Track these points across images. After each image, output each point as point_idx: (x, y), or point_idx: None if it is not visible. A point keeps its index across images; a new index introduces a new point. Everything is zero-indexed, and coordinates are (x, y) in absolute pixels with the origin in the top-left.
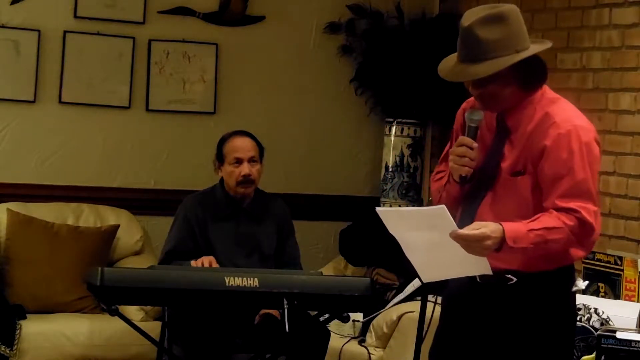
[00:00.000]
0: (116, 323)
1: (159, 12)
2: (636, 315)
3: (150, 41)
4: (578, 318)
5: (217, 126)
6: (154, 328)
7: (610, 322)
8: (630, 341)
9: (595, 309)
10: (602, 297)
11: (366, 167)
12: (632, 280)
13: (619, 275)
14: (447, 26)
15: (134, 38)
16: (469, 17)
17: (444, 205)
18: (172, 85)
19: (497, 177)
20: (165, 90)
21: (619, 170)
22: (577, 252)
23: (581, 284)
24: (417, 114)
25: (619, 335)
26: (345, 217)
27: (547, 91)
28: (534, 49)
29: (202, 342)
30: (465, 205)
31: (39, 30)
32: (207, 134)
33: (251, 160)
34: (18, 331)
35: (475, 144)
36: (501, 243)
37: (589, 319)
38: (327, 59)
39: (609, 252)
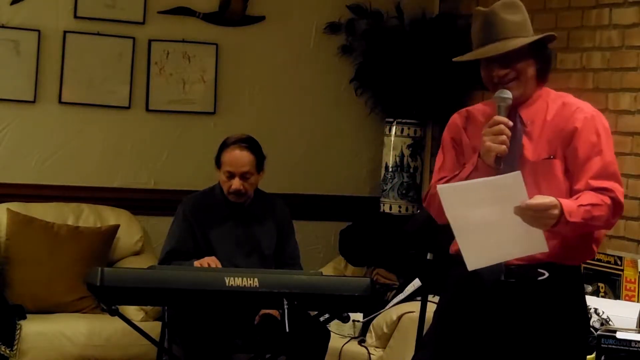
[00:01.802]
0: (116, 323)
1: (159, 12)
2: (636, 315)
3: (150, 41)
4: None
5: (217, 126)
6: (154, 328)
7: (610, 322)
8: (630, 341)
9: (595, 309)
10: (602, 297)
11: (366, 167)
12: (632, 280)
13: (619, 275)
14: (447, 26)
15: (134, 38)
16: (483, 9)
17: (519, 172)
18: (172, 85)
19: (522, 168)
20: (165, 90)
21: (619, 170)
22: (594, 250)
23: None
24: (417, 114)
25: (619, 335)
26: (345, 217)
27: (551, 90)
28: (544, 35)
29: (202, 342)
30: None
31: (39, 30)
32: (207, 134)
33: (244, 175)
34: (18, 331)
35: (510, 122)
36: (559, 217)
37: (589, 319)
38: (327, 59)
39: (609, 252)
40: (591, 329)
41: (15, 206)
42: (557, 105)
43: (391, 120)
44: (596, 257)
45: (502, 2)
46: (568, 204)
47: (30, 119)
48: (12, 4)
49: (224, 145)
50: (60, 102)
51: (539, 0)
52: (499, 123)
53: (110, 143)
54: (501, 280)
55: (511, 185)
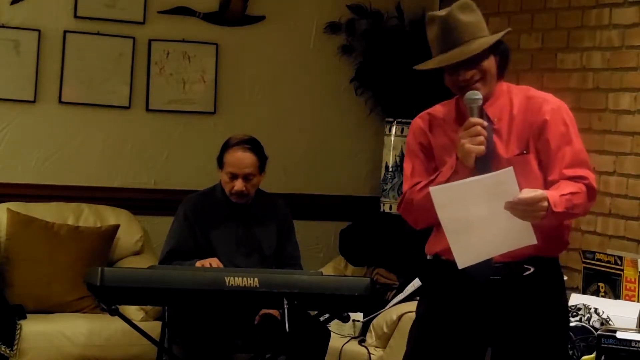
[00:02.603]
0: (116, 323)
1: (159, 12)
2: (636, 315)
3: (150, 41)
4: (578, 318)
5: (217, 126)
6: (154, 328)
7: (610, 322)
8: (630, 341)
9: (595, 309)
10: (602, 297)
11: (366, 167)
12: (632, 280)
13: (619, 275)
14: None
15: (134, 38)
16: (439, 12)
17: (511, 168)
18: (172, 85)
19: (491, 164)
20: (165, 90)
21: (619, 170)
22: (569, 231)
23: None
24: (417, 114)
25: (619, 335)
26: (345, 217)
27: (509, 84)
28: (501, 33)
29: (202, 342)
30: None
31: (39, 30)
32: (207, 134)
33: (247, 176)
34: (18, 331)
35: (485, 123)
36: (548, 209)
37: (589, 319)
38: (327, 59)
39: (609, 252)
40: (591, 329)
41: (15, 206)
42: (521, 99)
43: (391, 120)
44: (596, 257)
45: (456, 4)
46: (552, 194)
47: (30, 119)
48: (12, 4)
49: (227, 146)
50: (60, 102)
51: (539, 0)
52: (474, 124)
53: (110, 143)
54: (488, 278)
55: (504, 182)
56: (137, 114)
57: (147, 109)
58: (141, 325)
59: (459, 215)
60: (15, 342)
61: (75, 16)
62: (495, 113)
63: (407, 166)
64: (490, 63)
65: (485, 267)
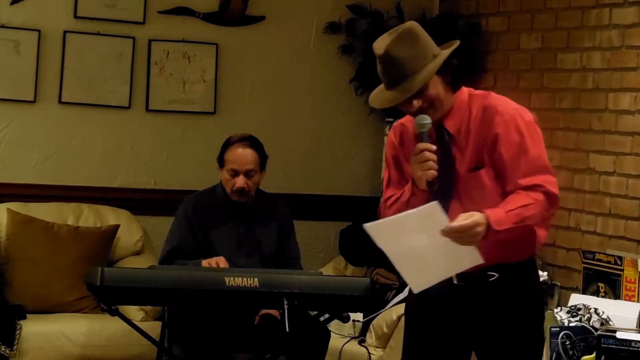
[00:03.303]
0: (116, 323)
1: (159, 12)
2: (636, 315)
3: (150, 41)
4: (578, 318)
5: (217, 126)
6: (154, 328)
7: (610, 322)
8: (630, 341)
9: (595, 309)
10: (602, 297)
11: (366, 167)
12: (632, 280)
13: (619, 275)
14: (447, 26)
15: (134, 38)
16: (380, 46)
17: (436, 202)
18: (172, 85)
19: (456, 180)
20: (165, 90)
21: (619, 170)
22: (543, 233)
23: (544, 275)
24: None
25: (619, 335)
26: (345, 217)
27: (472, 90)
28: (447, 51)
29: (202, 342)
30: None
31: (39, 30)
32: (207, 134)
33: (248, 173)
34: (18, 331)
35: (434, 147)
36: (487, 229)
37: (589, 319)
38: (327, 59)
39: (609, 252)
40: (591, 329)
41: (15, 206)
42: (478, 109)
43: (391, 120)
44: (596, 257)
45: (394, 37)
46: (495, 213)
47: (30, 119)
48: (12, 4)
49: (227, 144)
50: (60, 102)
51: (539, 0)
52: (422, 150)
53: (110, 143)
54: (454, 284)
55: (431, 215)
56: (137, 114)
57: (147, 109)
58: (141, 325)
59: (401, 246)
60: (15, 342)
61: (75, 16)
62: (455, 126)
63: (385, 176)
64: (436, 89)
65: (445, 284)
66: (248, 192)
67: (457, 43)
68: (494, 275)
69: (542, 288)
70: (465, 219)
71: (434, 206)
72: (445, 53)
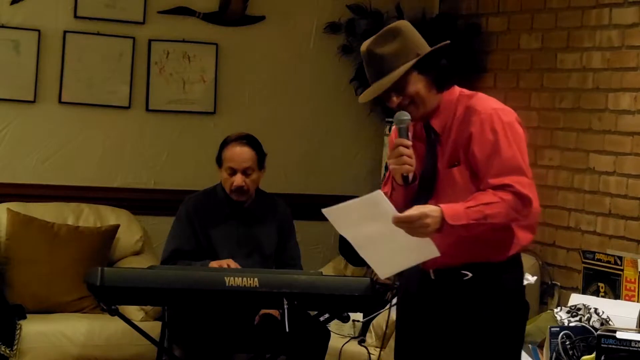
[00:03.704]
0: (116, 323)
1: (159, 12)
2: (636, 315)
3: (150, 41)
4: (578, 318)
5: (217, 126)
6: (154, 328)
7: (610, 322)
8: (630, 341)
9: (595, 309)
10: (602, 297)
11: (366, 167)
12: (632, 280)
13: (619, 275)
14: (447, 26)
15: (134, 38)
16: (365, 44)
17: (379, 190)
18: (172, 85)
19: (436, 177)
20: (165, 90)
21: (619, 170)
22: (524, 235)
23: (531, 278)
24: None
25: (619, 335)
26: None
27: (463, 91)
28: (426, 50)
29: (202, 342)
30: None
31: (39, 30)
32: (207, 134)
33: (246, 171)
34: (18, 331)
35: (409, 142)
36: (442, 223)
37: (589, 319)
38: (327, 59)
39: (609, 252)
40: (591, 329)
41: (15, 206)
42: (462, 110)
43: (391, 120)
44: (596, 257)
45: (377, 34)
46: (452, 207)
47: (30, 119)
48: (12, 4)
49: (225, 144)
50: (60, 102)
51: (539, 0)
52: (397, 145)
53: (110, 143)
54: (431, 279)
55: (377, 204)
56: (137, 114)
57: (147, 109)
58: (141, 325)
59: (358, 232)
60: (15, 342)
61: (75, 16)
62: (440, 125)
63: (387, 174)
64: (416, 86)
65: (415, 276)
66: (247, 190)
67: (445, 43)
68: (467, 275)
69: (521, 291)
70: (415, 210)
71: (378, 195)
72: (425, 52)
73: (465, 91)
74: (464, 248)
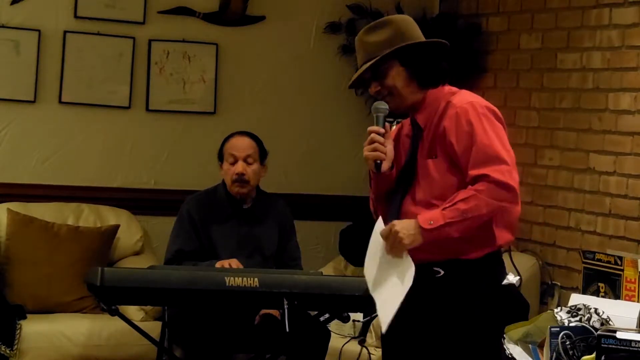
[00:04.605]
0: (116, 323)
1: (159, 12)
2: (636, 315)
3: (150, 41)
4: (578, 318)
5: (217, 126)
6: (154, 328)
7: (610, 322)
8: (630, 341)
9: (595, 309)
10: (602, 297)
11: (366, 167)
12: (632, 280)
13: (619, 275)
14: (447, 26)
15: (134, 38)
16: (359, 32)
17: (379, 218)
18: (172, 85)
19: (415, 170)
20: (165, 90)
21: (619, 170)
22: (502, 234)
23: (512, 278)
24: None
25: (619, 335)
26: (345, 217)
27: (452, 88)
28: (404, 43)
29: (202, 342)
30: (390, 204)
31: (39, 30)
32: (207, 134)
33: (247, 159)
34: (18, 331)
35: (382, 130)
36: (419, 230)
37: (589, 319)
38: (327, 59)
39: (609, 252)
40: (591, 329)
41: (15, 206)
42: (443, 106)
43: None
44: (596, 257)
45: (369, 25)
46: (427, 213)
47: (30, 119)
48: (12, 4)
49: (225, 139)
50: (60, 102)
51: (539, 0)
52: (371, 132)
53: (110, 143)
54: None
55: (375, 231)
56: (137, 114)
57: (147, 109)
58: (141, 325)
59: (372, 274)
60: (15, 342)
61: (75, 16)
62: (424, 121)
63: None
64: (394, 80)
65: None
66: (248, 181)
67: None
68: (439, 272)
69: (499, 291)
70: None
71: (378, 222)
72: (404, 45)
73: (453, 89)
74: (438, 243)
